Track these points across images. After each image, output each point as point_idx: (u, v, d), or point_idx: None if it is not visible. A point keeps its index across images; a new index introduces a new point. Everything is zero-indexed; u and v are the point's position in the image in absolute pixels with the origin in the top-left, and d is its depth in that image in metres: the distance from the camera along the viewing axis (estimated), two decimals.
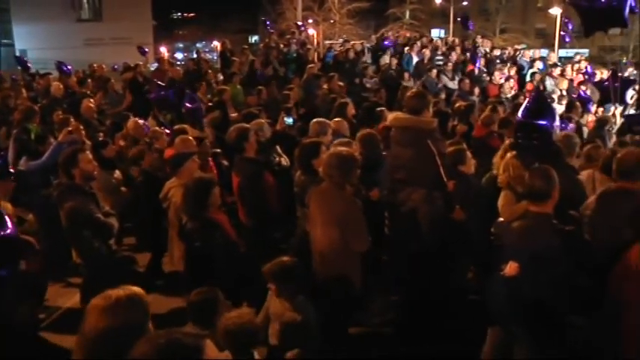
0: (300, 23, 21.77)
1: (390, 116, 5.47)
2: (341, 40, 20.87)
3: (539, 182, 3.83)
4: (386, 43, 15.57)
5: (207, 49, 41.12)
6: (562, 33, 21.59)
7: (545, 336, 3.79)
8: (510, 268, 3.78)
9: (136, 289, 2.31)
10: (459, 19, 16.31)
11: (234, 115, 9.24)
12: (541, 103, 4.79)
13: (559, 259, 3.66)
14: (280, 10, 37.34)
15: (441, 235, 4.92)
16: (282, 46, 16.02)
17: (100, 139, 7.36)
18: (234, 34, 37.42)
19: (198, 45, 45.72)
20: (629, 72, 13.95)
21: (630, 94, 9.27)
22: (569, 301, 3.78)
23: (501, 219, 4.55)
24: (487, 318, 4.36)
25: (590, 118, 10.57)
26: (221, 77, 13.59)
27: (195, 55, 16.69)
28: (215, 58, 22.81)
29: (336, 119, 6.88)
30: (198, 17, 59.48)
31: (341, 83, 11.38)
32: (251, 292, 4.38)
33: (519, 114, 4.93)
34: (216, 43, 34.16)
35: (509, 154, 4.96)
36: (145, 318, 2.27)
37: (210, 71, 13.59)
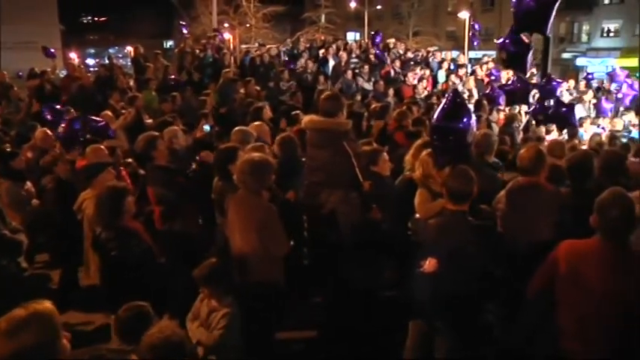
0: (215, 28, 21.52)
1: (306, 119, 5.49)
2: (257, 44, 20.74)
3: (459, 184, 3.93)
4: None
5: (120, 55, 39.84)
6: (472, 37, 22.31)
7: (467, 329, 3.91)
8: (429, 264, 3.88)
9: (43, 305, 2.21)
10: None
11: (149, 122, 9.01)
12: (457, 104, 4.63)
13: (476, 255, 3.79)
14: (195, 14, 36.66)
15: (359, 235, 5.00)
16: (197, 51, 15.79)
17: (8, 149, 6.97)
18: (148, 39, 36.43)
19: (110, 50, 44.14)
20: (530, 73, 14.61)
21: (533, 92, 9.84)
22: (486, 294, 3.93)
23: (418, 215, 4.66)
24: (407, 315, 4.44)
25: (501, 116, 11.07)
26: (132, 83, 13.21)
27: (107, 61, 16.07)
28: (128, 63, 22.13)
29: (256, 123, 6.78)
30: (110, 21, 57.58)
31: (257, 87, 11.36)
32: (172, 303, 4.31)
33: (435, 116, 4.74)
34: (129, 49, 33.05)
35: (424, 152, 4.95)
36: (54, 334, 2.18)
37: (122, 77, 13.18)
